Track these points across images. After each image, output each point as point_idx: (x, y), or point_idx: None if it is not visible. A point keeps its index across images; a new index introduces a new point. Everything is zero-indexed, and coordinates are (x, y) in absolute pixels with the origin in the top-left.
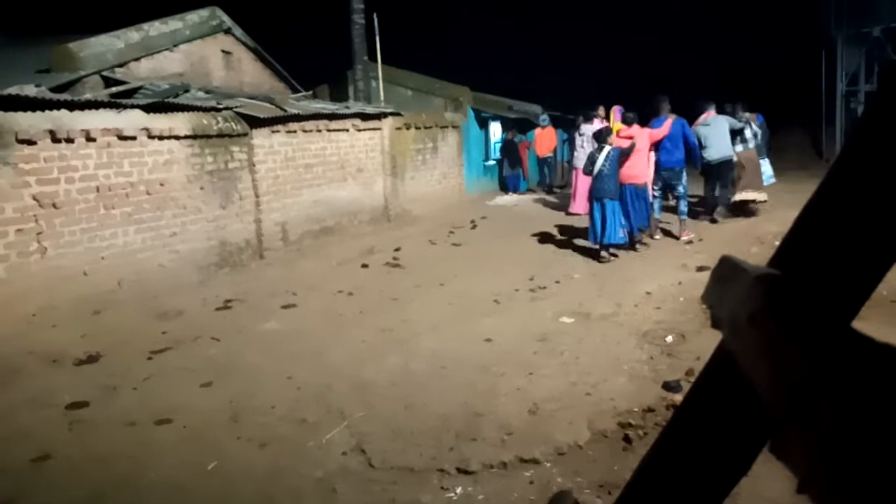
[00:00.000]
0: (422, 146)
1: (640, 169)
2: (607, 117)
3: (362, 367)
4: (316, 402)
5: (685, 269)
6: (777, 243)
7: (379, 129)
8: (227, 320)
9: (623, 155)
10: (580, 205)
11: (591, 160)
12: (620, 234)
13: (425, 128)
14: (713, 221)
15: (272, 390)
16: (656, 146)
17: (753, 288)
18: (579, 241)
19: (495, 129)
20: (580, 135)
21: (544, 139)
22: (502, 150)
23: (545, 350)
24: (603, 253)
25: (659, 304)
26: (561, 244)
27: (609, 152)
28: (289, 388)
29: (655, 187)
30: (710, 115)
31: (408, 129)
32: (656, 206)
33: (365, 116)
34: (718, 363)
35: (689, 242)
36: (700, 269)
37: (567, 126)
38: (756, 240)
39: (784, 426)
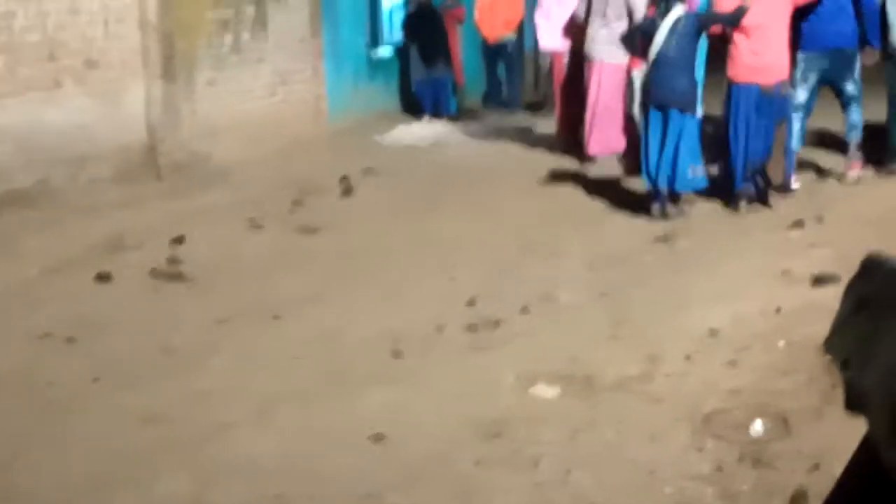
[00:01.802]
0: (232, 13)
1: (773, 55)
2: None
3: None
4: None
5: (788, 279)
6: None
7: None
8: None
9: (711, 25)
10: (604, 138)
11: (646, 32)
12: (697, 173)
13: None
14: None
15: None
16: (801, 12)
17: None
18: (593, 200)
19: None
20: None
21: (499, 3)
22: (408, 25)
23: (500, 457)
24: (657, 206)
25: (735, 356)
26: (538, 225)
27: (679, 21)
28: None
29: (802, 87)
30: None
31: None
32: (796, 128)
33: None
34: (858, 479)
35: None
36: (818, 280)
37: None
38: None
39: None
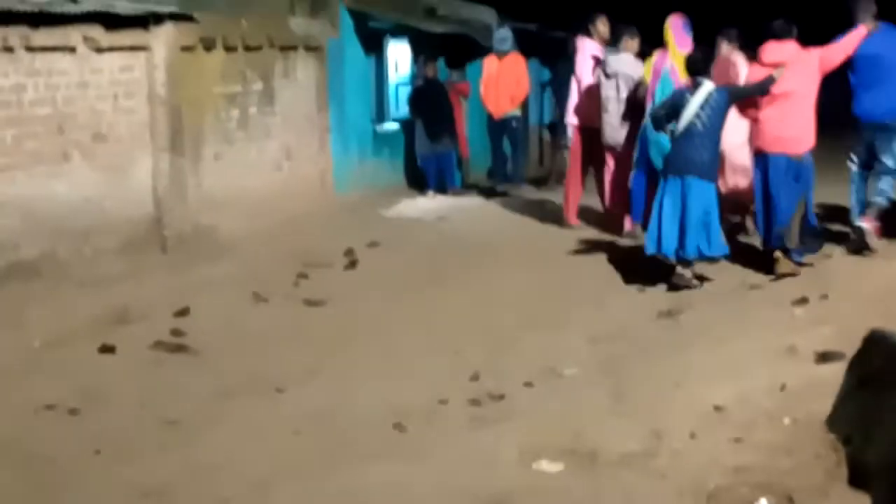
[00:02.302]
0: (240, 88)
1: (801, 126)
2: (616, 37)
3: None
4: None
5: (793, 355)
6: None
7: (144, 48)
8: None
9: (741, 98)
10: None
11: (675, 106)
12: (718, 242)
13: (247, 49)
14: None
15: None
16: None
17: None
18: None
19: (399, 57)
20: (608, 77)
21: (505, 79)
22: (414, 100)
23: None
24: (682, 271)
25: (740, 433)
26: (542, 299)
27: (711, 96)
28: None
29: (853, 158)
30: None
31: (209, 50)
32: (854, 199)
33: (113, 21)
34: None
35: (861, 249)
36: (823, 357)
37: (553, 55)
38: None
39: None
